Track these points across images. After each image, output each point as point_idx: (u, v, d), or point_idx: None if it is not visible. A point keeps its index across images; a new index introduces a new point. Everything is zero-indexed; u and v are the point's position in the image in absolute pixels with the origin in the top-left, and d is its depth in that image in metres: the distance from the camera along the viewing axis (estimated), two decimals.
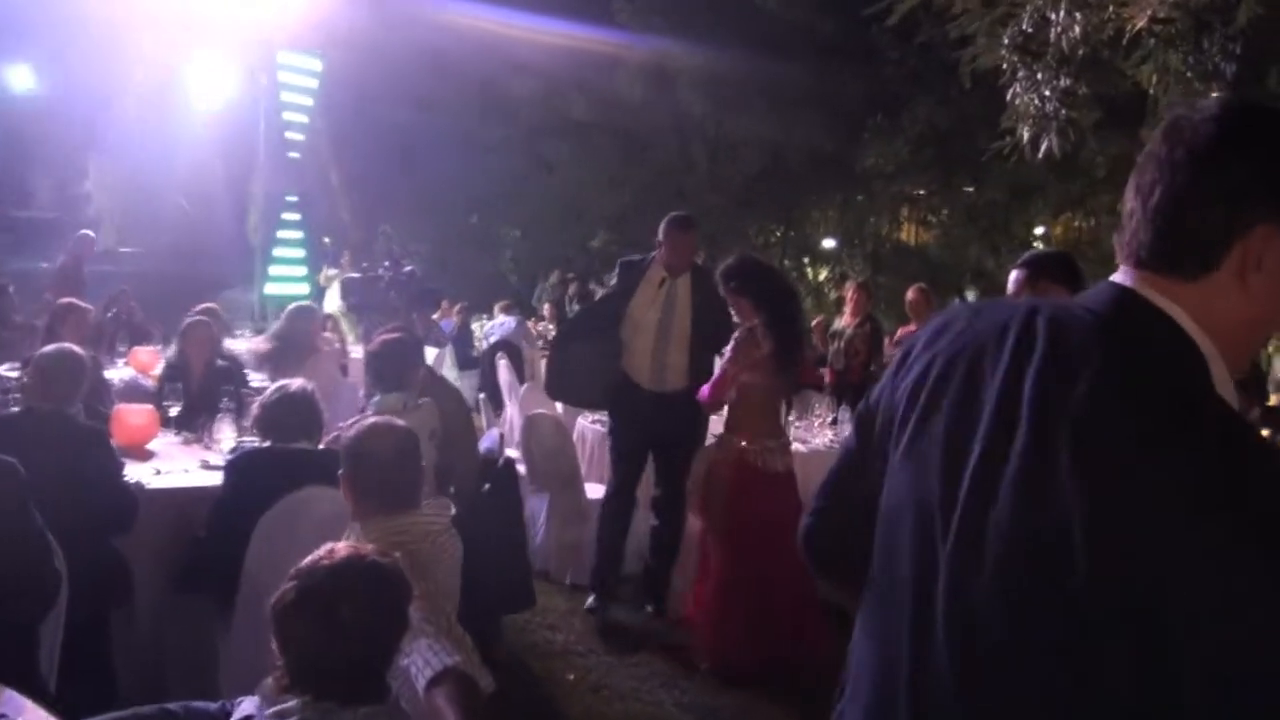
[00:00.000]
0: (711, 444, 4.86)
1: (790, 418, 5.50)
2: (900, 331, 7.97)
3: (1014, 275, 2.93)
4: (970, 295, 16.90)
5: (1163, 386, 0.96)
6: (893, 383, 1.25)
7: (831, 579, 1.40)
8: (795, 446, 4.74)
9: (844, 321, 7.84)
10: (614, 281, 5.19)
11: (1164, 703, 0.85)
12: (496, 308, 11.62)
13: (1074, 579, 0.91)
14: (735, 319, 6.48)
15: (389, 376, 3.96)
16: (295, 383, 3.70)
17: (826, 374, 7.18)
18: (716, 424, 5.73)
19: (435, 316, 11.75)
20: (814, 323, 8.71)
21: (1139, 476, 0.90)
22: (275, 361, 5.80)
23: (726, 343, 4.96)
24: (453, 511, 2.56)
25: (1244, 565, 0.84)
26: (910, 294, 7.79)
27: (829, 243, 19.66)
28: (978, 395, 1.10)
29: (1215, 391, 0.99)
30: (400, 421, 2.69)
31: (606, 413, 5.22)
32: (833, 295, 18.96)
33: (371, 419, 2.62)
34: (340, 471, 2.58)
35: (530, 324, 12.05)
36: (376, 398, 3.89)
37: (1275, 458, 0.91)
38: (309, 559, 1.84)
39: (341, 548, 1.85)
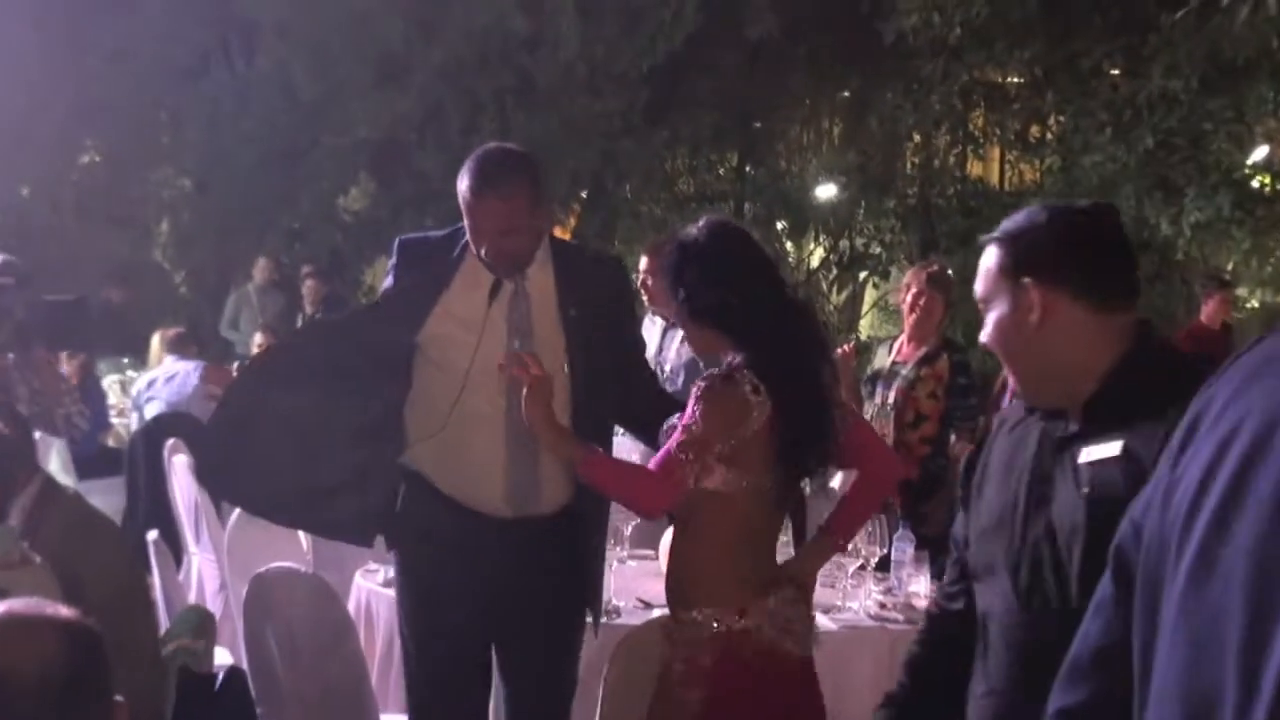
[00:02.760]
0: (645, 624, 5.00)
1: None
2: None
3: None
4: None
5: None
6: (1170, 475, 1.53)
7: None
8: (818, 619, 4.91)
9: (898, 352, 8.05)
10: (388, 282, 5.20)
11: None
12: (156, 343, 11.48)
13: None
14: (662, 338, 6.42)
15: None
16: None
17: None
18: (637, 578, 6.00)
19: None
20: (839, 352, 8.86)
21: None
22: None
23: (642, 389, 5.18)
24: None
25: None
26: None
27: (827, 190, 19.92)
28: None
29: None
30: (64, 609, 2.79)
31: (394, 563, 5.31)
32: (838, 297, 19.32)
33: None
34: None
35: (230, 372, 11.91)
36: None
37: None
38: None
39: None
